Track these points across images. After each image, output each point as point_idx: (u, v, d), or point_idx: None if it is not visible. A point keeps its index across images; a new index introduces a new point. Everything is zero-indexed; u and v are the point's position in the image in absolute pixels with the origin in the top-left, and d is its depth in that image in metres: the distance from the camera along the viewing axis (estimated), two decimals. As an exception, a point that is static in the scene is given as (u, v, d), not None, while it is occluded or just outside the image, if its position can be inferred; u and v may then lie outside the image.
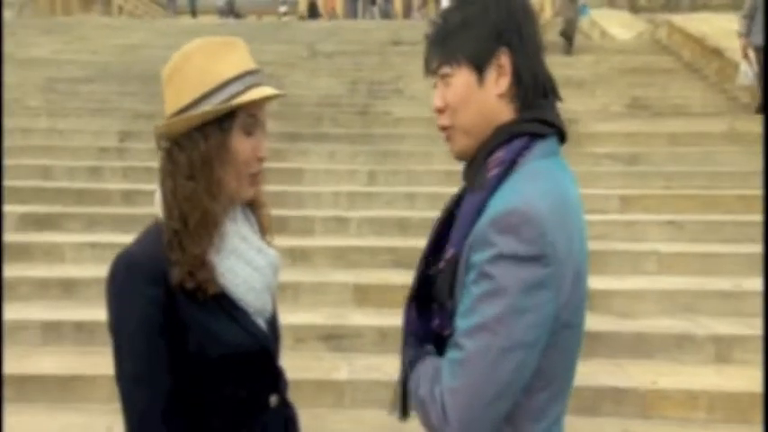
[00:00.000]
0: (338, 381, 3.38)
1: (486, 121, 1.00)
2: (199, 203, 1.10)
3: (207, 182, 1.10)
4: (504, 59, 0.99)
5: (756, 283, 4.02)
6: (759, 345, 3.50)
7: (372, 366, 3.50)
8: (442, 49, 1.02)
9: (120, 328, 1.13)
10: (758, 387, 3.10)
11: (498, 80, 0.99)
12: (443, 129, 1.04)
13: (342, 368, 3.49)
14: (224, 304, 1.14)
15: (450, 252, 1.00)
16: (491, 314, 0.91)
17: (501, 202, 0.94)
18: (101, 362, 3.48)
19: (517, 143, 0.98)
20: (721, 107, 7.41)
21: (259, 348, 1.18)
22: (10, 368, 3.36)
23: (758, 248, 4.45)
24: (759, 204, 5.03)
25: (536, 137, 0.99)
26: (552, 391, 1.00)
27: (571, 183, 1.01)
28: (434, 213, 4.99)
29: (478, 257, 0.93)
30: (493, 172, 0.98)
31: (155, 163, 5.36)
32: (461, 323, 0.95)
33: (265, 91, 1.12)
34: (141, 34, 11.14)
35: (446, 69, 1.02)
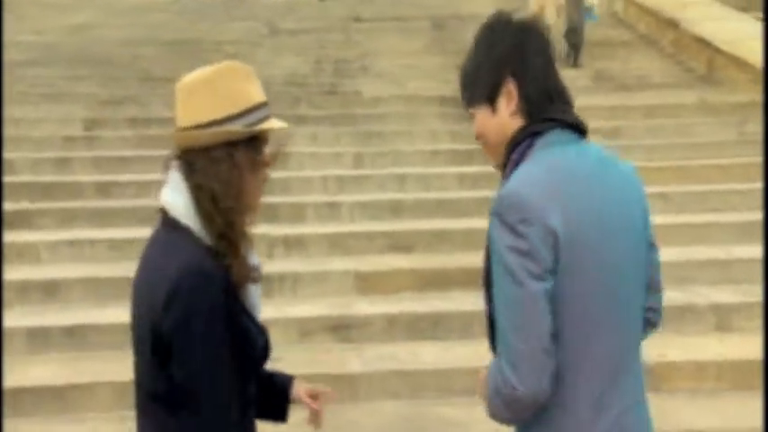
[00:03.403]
0: (351, 374, 3.31)
1: (506, 137, 1.22)
2: (243, 209, 1.20)
3: (241, 192, 1.20)
4: (511, 86, 1.20)
5: (746, 251, 4.15)
6: (755, 312, 3.62)
7: (384, 356, 3.44)
8: (464, 94, 1.27)
9: (207, 346, 1.15)
10: (759, 354, 3.20)
11: (509, 103, 1.20)
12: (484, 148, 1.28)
13: (353, 360, 3.42)
14: (245, 307, 1.23)
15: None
16: (498, 281, 1.12)
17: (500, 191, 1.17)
18: (96, 368, 3.30)
19: (522, 145, 1.19)
20: (679, 78, 7.62)
21: (267, 349, 1.28)
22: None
23: (742, 216, 4.59)
24: (737, 173, 5.18)
25: (537, 134, 1.18)
26: (571, 357, 1.12)
27: (579, 160, 1.18)
28: (426, 195, 4.87)
29: (490, 240, 1.16)
30: (507, 173, 1.21)
31: (127, 152, 5.10)
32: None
33: (282, 123, 1.25)
34: (90, 12, 10.53)
35: (471, 110, 1.26)
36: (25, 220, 4.61)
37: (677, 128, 6.12)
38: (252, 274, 1.22)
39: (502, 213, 1.12)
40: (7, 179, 5.13)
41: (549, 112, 1.19)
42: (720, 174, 5.22)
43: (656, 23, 9.20)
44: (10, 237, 4.39)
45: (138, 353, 1.23)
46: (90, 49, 8.32)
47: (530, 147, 1.18)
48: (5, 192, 4.89)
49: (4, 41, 8.52)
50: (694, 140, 5.86)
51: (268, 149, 1.25)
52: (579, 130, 1.21)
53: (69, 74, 7.40)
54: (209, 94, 1.18)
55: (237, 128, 1.18)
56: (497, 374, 1.12)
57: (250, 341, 1.22)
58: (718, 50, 7.56)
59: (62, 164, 5.33)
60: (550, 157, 1.16)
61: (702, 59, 7.86)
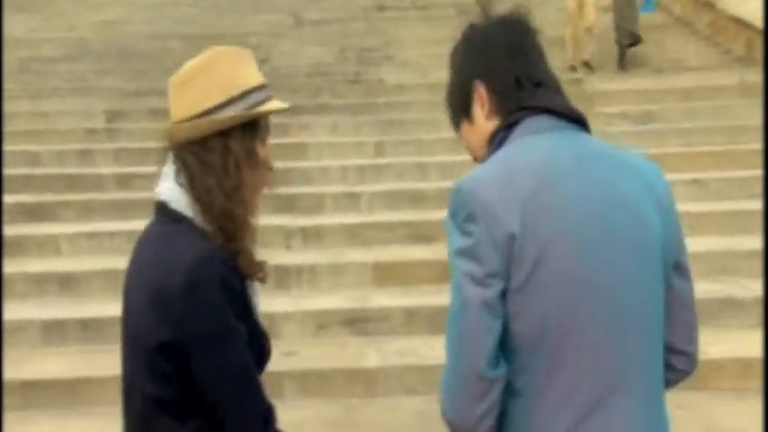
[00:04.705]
0: (368, 368, 3.19)
1: (487, 141, 1.13)
2: (241, 201, 1.13)
3: (239, 182, 1.13)
4: (481, 90, 1.11)
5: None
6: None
7: (403, 350, 3.31)
8: (448, 115, 1.21)
9: (234, 343, 1.08)
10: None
11: (482, 107, 1.12)
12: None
13: (370, 354, 3.30)
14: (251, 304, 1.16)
15: None
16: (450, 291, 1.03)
17: None
18: (110, 362, 3.21)
19: (496, 141, 1.10)
20: (716, 60, 7.28)
21: (269, 353, 1.20)
22: (12, 373, 3.12)
23: (788, 204, 4.30)
24: (781, 158, 4.88)
25: (512, 125, 1.08)
26: (536, 384, 0.97)
27: (555, 150, 1.03)
28: (448, 183, 4.64)
29: None
30: None
31: (147, 143, 4.97)
32: None
33: (281, 104, 1.18)
34: (120, 9, 10.61)
35: (458, 131, 1.19)
36: (49, 211, 4.62)
37: (715, 111, 5.81)
38: (258, 272, 1.15)
39: (452, 213, 1.02)
40: (33, 171, 5.16)
41: (520, 101, 1.08)
42: (762, 158, 4.92)
43: (692, 5, 8.81)
44: (32, 229, 4.40)
45: (134, 354, 1.13)
46: (118, 43, 8.37)
47: (503, 140, 1.08)
48: (32, 184, 4.91)
49: (28, 38, 8.65)
50: (734, 123, 5.55)
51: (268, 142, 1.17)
52: (567, 117, 1.07)
53: (97, 68, 7.45)
54: (201, 84, 1.13)
55: (229, 114, 1.12)
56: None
57: (258, 341, 1.14)
58: (757, 31, 7.18)
59: (84, 156, 5.33)
60: (516, 148, 1.05)
61: (741, 41, 7.49)
